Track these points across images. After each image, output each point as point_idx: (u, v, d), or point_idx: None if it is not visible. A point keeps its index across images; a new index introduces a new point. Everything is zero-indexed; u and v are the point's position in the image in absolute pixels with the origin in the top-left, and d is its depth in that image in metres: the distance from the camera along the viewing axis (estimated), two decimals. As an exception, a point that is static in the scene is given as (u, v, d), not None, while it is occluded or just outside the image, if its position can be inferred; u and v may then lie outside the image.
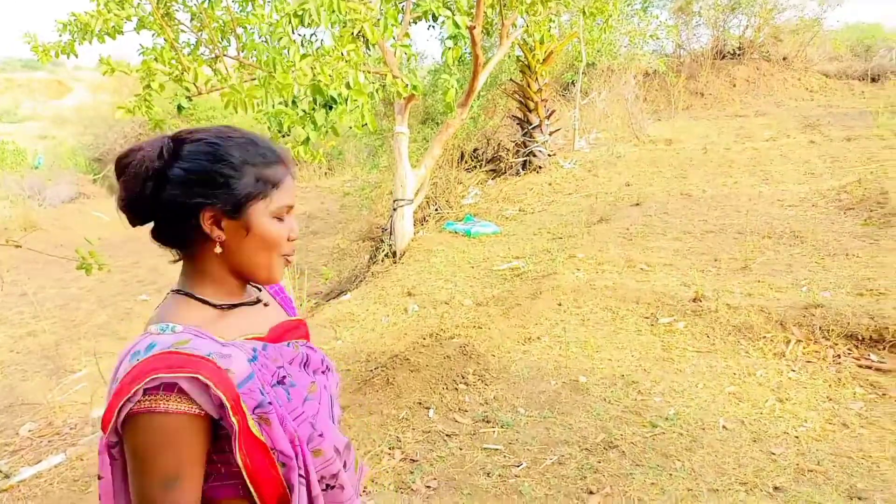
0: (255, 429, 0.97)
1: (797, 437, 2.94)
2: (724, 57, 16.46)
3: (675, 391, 3.48)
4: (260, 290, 1.23)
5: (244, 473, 0.98)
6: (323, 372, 1.20)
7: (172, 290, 1.09)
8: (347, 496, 1.12)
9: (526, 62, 10.47)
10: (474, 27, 5.92)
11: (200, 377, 0.92)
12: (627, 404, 3.39)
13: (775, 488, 2.57)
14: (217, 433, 0.98)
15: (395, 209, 7.30)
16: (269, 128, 5.05)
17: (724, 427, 3.09)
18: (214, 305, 1.07)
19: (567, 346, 4.20)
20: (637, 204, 7.71)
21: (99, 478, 1.00)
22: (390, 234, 7.51)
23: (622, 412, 3.32)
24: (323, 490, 1.08)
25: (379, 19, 4.35)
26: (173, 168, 1.01)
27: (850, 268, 4.76)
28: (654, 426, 3.13)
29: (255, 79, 4.23)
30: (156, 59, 5.04)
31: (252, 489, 0.99)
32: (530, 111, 10.74)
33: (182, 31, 5.68)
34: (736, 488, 2.60)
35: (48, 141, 19.35)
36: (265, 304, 1.18)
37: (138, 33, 5.37)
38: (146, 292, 8.18)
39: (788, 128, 11.65)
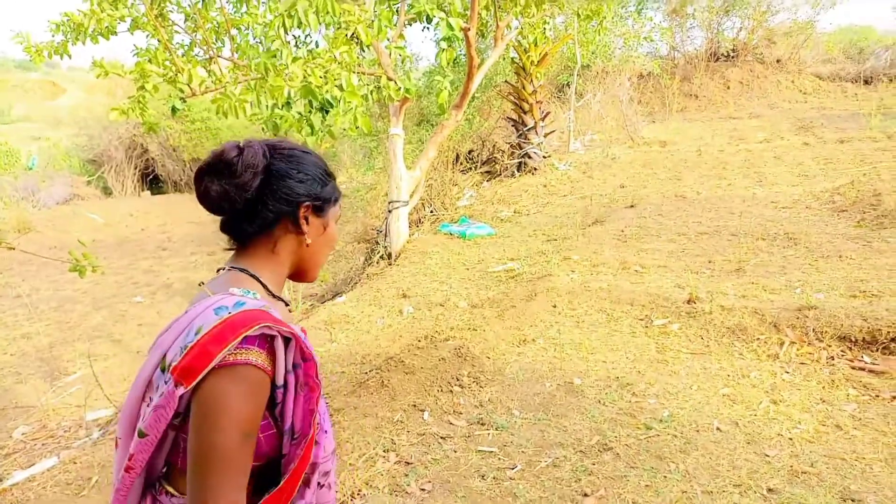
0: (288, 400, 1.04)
1: (791, 439, 2.95)
2: (718, 59, 16.54)
3: (670, 393, 3.49)
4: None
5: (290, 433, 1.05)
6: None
7: (233, 267, 1.16)
8: (332, 497, 1.16)
9: (521, 64, 10.49)
10: (469, 29, 5.92)
11: (299, 336, 1.02)
12: (622, 406, 3.40)
13: (769, 490, 2.58)
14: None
15: (390, 211, 7.29)
16: (264, 130, 5.05)
17: (718, 429, 3.09)
18: (269, 291, 1.16)
19: (562, 348, 4.20)
20: (632, 206, 7.73)
21: (142, 435, 1.01)
22: (385, 235, 7.51)
23: (617, 414, 3.32)
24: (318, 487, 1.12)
25: (373, 21, 4.35)
26: (277, 164, 1.14)
27: (843, 269, 4.78)
28: (649, 428, 3.14)
29: (249, 82, 4.23)
30: (150, 61, 5.02)
31: (300, 448, 1.05)
32: (525, 113, 10.76)
33: (176, 32, 5.67)
34: (730, 490, 2.60)
35: (42, 142, 19.25)
36: (290, 310, 1.26)
37: (132, 34, 5.36)
38: (141, 294, 8.15)
39: (782, 130, 11.71)
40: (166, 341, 1.03)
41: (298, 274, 1.23)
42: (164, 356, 1.02)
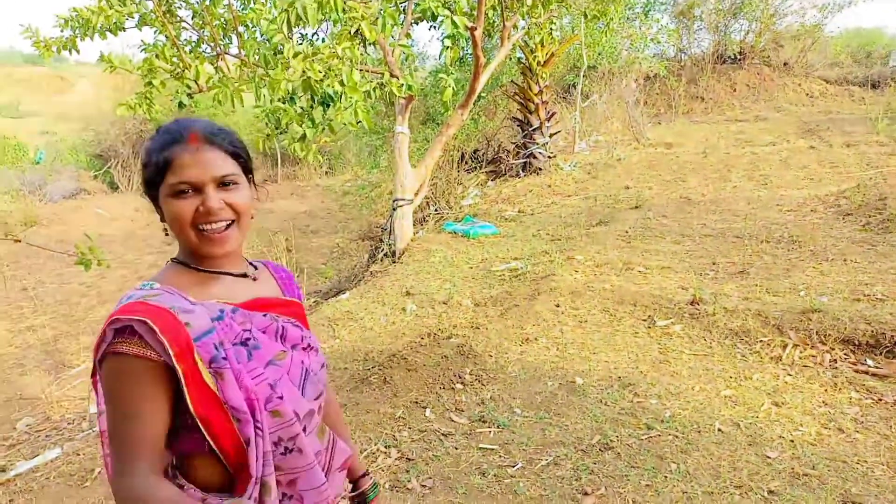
0: (209, 380, 1.04)
1: (792, 441, 2.95)
2: (724, 61, 16.49)
3: (672, 394, 3.49)
4: (256, 268, 1.29)
5: (198, 422, 1.04)
6: (303, 349, 1.24)
7: (173, 259, 1.20)
8: (307, 461, 1.15)
9: (527, 64, 10.49)
10: (475, 28, 5.92)
11: (148, 321, 1.00)
12: (623, 406, 3.40)
13: (770, 492, 2.58)
14: (179, 385, 1.04)
15: (394, 209, 7.30)
16: (266, 124, 5.06)
17: (719, 430, 3.09)
18: (196, 269, 1.16)
19: (564, 348, 4.21)
20: (636, 207, 7.72)
21: (99, 413, 1.11)
22: (390, 233, 7.52)
23: (618, 414, 3.32)
24: (281, 453, 1.12)
25: (377, 18, 4.36)
26: None
27: (847, 273, 4.77)
28: (650, 428, 3.14)
29: (250, 76, 4.25)
30: (157, 56, 5.05)
31: (209, 439, 1.05)
32: (531, 113, 10.76)
33: (184, 28, 5.70)
34: (731, 491, 2.60)
35: (49, 136, 19.33)
36: (254, 279, 1.25)
37: (140, 30, 5.38)
38: (145, 289, 8.17)
39: (788, 133, 11.67)
40: None
41: (188, 246, 1.17)
42: None
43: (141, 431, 1.02)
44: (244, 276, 1.23)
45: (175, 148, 1.10)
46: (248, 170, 1.21)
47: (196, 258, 1.17)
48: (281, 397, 1.11)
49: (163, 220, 1.16)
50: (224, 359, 1.06)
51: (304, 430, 1.16)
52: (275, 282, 1.33)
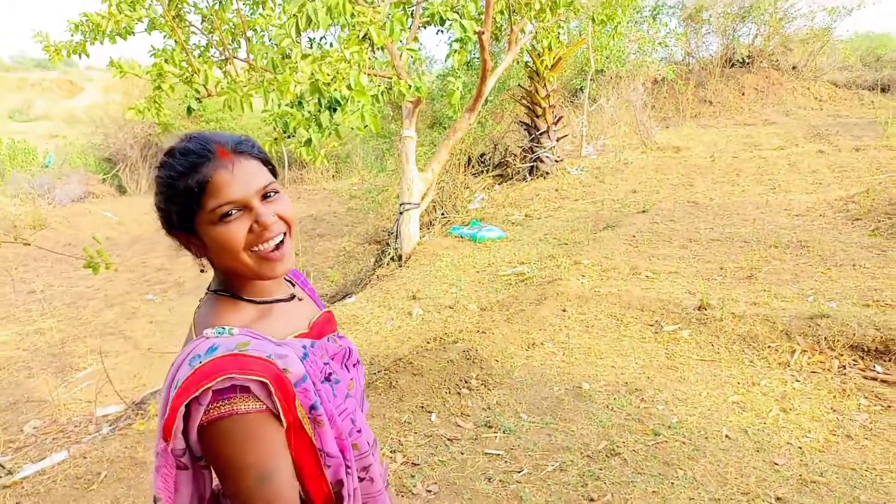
0: (308, 428, 0.99)
1: (800, 448, 2.92)
2: (733, 65, 16.45)
3: (679, 399, 3.47)
4: (293, 284, 1.24)
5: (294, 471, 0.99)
6: (354, 365, 1.22)
7: (210, 291, 1.10)
8: (377, 488, 1.14)
9: (534, 68, 10.48)
10: (483, 32, 5.93)
11: (267, 382, 0.92)
12: (630, 412, 3.38)
13: (777, 499, 2.56)
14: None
15: (401, 213, 7.31)
16: (274, 128, 5.08)
17: (726, 436, 3.07)
18: (255, 302, 1.07)
19: (570, 353, 4.19)
20: (643, 211, 7.70)
21: (156, 500, 0.98)
22: (396, 237, 7.52)
23: (625, 420, 3.31)
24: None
25: (386, 22, 4.37)
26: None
27: (856, 278, 4.73)
28: (657, 434, 3.12)
29: (259, 80, 4.27)
30: (166, 61, 5.08)
31: (300, 486, 1.00)
32: (538, 117, 10.75)
33: (193, 33, 5.73)
34: (738, 498, 2.58)
35: (59, 140, 19.48)
36: (299, 300, 1.19)
37: (150, 34, 5.42)
38: (153, 292, 8.22)
39: (797, 137, 11.62)
40: (162, 396, 1.00)
41: (239, 274, 1.06)
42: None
43: (282, 488, 0.95)
44: (292, 297, 1.15)
45: (206, 168, 0.99)
46: (275, 176, 1.10)
47: (244, 286, 1.07)
48: (359, 431, 1.09)
49: (198, 255, 1.06)
50: (320, 405, 1.01)
51: (373, 455, 1.15)
52: (301, 289, 1.27)
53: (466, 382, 3.82)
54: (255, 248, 1.00)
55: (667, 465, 2.86)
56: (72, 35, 5.12)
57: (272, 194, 1.04)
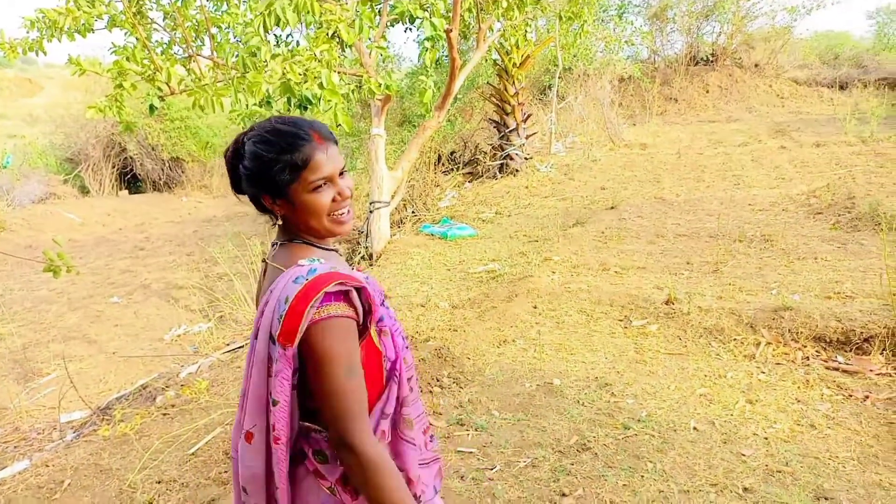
0: (375, 338, 1.29)
1: (766, 439, 2.98)
2: (697, 63, 16.73)
3: (648, 393, 3.52)
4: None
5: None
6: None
7: (282, 242, 1.36)
8: (416, 395, 1.43)
9: (503, 66, 10.52)
10: (451, 30, 5.92)
11: (365, 286, 1.23)
12: (600, 406, 3.42)
13: (745, 489, 2.61)
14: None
15: (371, 211, 7.27)
16: (242, 128, 5.00)
17: (695, 428, 3.12)
18: (321, 247, 1.35)
19: (542, 349, 4.22)
20: (612, 207, 7.79)
21: (275, 403, 1.21)
22: (367, 236, 7.48)
23: (595, 414, 3.34)
24: (409, 390, 1.37)
25: (354, 20, 4.33)
26: (240, 167, 1.31)
27: (818, 271, 4.85)
28: (627, 428, 3.16)
29: (228, 79, 4.20)
30: (128, 59, 4.96)
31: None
32: (507, 114, 10.80)
33: (155, 29, 5.61)
34: (706, 489, 2.63)
35: (17, 140, 18.91)
36: (340, 255, 1.45)
37: (110, 31, 5.28)
38: (117, 294, 8.04)
39: (760, 133, 11.87)
40: (265, 321, 1.23)
41: (314, 231, 1.33)
42: (270, 332, 1.21)
43: (361, 382, 1.21)
44: (336, 250, 1.43)
45: (308, 148, 1.25)
46: None
47: (315, 238, 1.35)
48: (407, 347, 1.39)
49: (278, 212, 1.31)
50: (383, 319, 1.30)
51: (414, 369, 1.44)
52: None
53: (438, 381, 3.81)
54: (333, 214, 1.30)
55: (637, 458, 2.89)
56: (28, 32, 4.97)
57: (344, 172, 1.33)
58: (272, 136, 1.27)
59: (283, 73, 3.85)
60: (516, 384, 3.76)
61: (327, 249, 1.38)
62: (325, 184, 1.28)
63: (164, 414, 3.82)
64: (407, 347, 1.38)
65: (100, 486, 3.09)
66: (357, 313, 1.22)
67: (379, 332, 1.30)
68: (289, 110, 4.77)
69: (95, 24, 4.98)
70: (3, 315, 7.12)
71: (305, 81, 4.14)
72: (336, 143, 1.34)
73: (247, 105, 4.56)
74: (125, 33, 5.47)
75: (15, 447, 3.90)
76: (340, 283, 1.18)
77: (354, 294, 1.22)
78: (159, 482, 3.04)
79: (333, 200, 1.29)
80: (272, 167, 1.25)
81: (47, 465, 3.32)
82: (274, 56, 3.91)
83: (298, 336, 1.16)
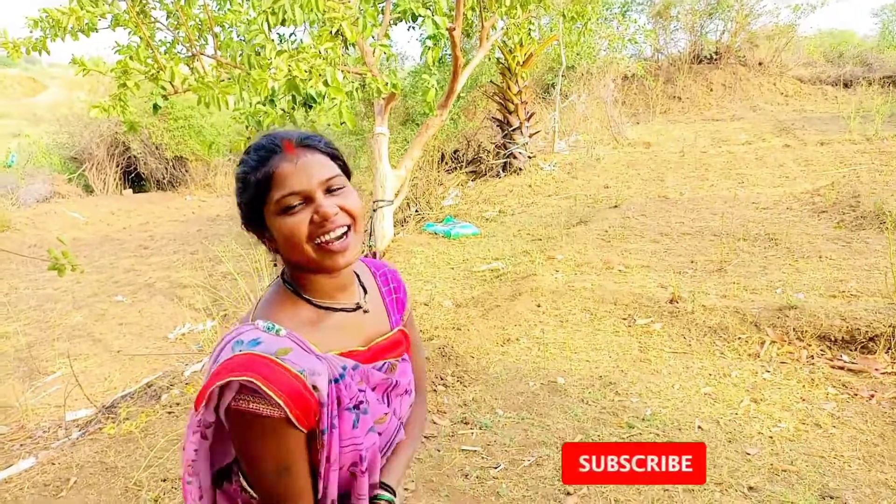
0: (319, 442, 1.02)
1: (771, 438, 2.98)
2: (701, 61, 16.68)
3: (652, 392, 3.51)
4: (366, 291, 1.20)
5: None
6: (400, 395, 1.18)
7: (281, 277, 1.12)
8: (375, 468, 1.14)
9: (506, 64, 10.51)
10: (454, 28, 5.92)
11: (281, 404, 0.93)
12: (605, 405, 3.41)
13: (749, 488, 2.60)
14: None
15: (374, 210, 7.27)
16: (247, 126, 5.01)
17: (699, 427, 3.12)
18: (317, 306, 1.09)
19: (545, 348, 4.22)
20: (615, 206, 7.77)
21: (183, 448, 1.05)
22: (370, 235, 7.48)
23: (599, 413, 3.33)
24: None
25: (358, 18, 4.33)
26: None
27: (823, 270, 4.84)
28: (631, 427, 3.15)
29: (231, 77, 4.20)
30: (131, 58, 4.96)
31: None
32: (510, 113, 10.79)
33: (158, 28, 5.60)
34: (711, 488, 2.62)
35: (22, 139, 18.96)
36: (365, 311, 1.15)
37: (113, 31, 5.28)
38: (122, 293, 8.05)
39: (763, 132, 11.83)
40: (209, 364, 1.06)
41: (302, 268, 1.10)
42: None
43: (297, 483, 1.00)
44: (357, 308, 1.14)
45: (273, 160, 1.03)
46: (347, 173, 1.13)
47: (308, 284, 1.09)
48: (364, 472, 1.07)
49: (271, 248, 1.08)
50: (334, 428, 1.01)
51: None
52: (380, 299, 1.24)
53: (442, 379, 3.82)
54: (318, 240, 1.02)
55: (641, 457, 2.89)
56: (31, 32, 4.97)
57: (338, 188, 1.05)
58: (247, 155, 1.07)
59: (289, 71, 3.85)
60: (520, 383, 3.76)
61: (324, 308, 1.09)
62: (298, 202, 1.02)
63: (169, 412, 3.83)
64: (364, 472, 1.08)
65: (105, 483, 3.10)
66: (291, 413, 0.94)
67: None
68: (293, 108, 4.77)
69: (99, 23, 4.98)
70: (8, 314, 7.15)
71: (310, 79, 4.14)
72: (327, 151, 1.09)
73: (251, 103, 4.57)
74: (129, 32, 5.47)
75: (21, 445, 3.91)
76: (253, 383, 0.93)
77: (290, 412, 0.95)
78: (164, 480, 3.05)
79: (311, 222, 1.01)
80: (243, 190, 1.06)
81: (53, 463, 3.33)
82: (279, 53, 3.91)
83: (203, 411, 0.99)
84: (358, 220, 1.07)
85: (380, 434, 1.11)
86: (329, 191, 1.04)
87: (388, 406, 1.14)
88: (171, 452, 3.29)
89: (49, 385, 5.19)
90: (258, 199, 1.04)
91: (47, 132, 17.96)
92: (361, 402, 1.05)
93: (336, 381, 1.01)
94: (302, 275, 1.08)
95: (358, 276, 1.21)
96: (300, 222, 1.01)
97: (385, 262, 1.33)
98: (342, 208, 1.04)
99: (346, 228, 1.04)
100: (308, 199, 1.02)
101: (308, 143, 1.07)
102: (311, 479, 1.02)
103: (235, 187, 1.09)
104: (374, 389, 1.10)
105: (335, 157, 1.10)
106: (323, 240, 1.02)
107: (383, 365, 1.13)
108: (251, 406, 0.94)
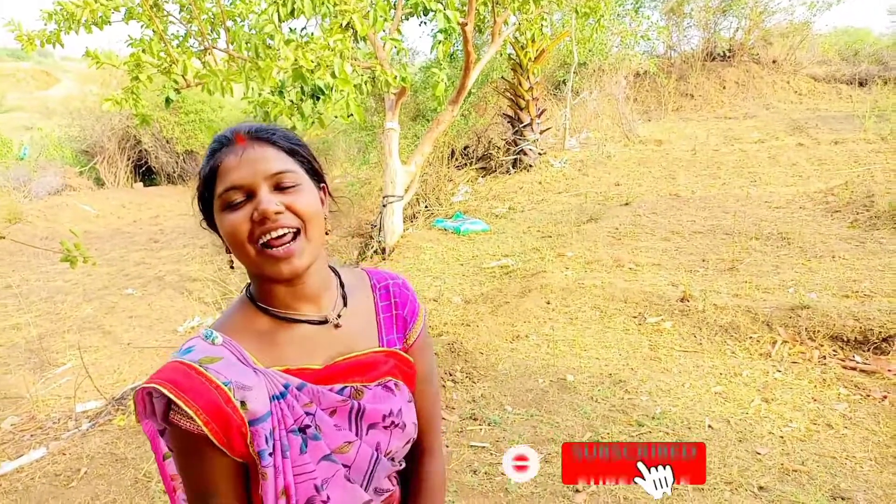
0: (259, 472, 0.91)
1: (782, 438, 2.95)
2: (714, 59, 16.54)
3: (662, 390, 3.49)
4: (344, 297, 1.08)
5: None
6: (385, 427, 1.03)
7: (246, 288, 1.04)
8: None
9: (518, 60, 10.47)
10: (466, 24, 5.89)
11: (192, 416, 0.86)
12: (614, 403, 3.40)
13: (760, 488, 2.58)
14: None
15: (384, 206, 7.27)
16: (255, 117, 5.02)
17: (709, 426, 3.10)
18: (276, 316, 0.99)
19: (555, 345, 4.20)
20: (626, 204, 7.73)
21: (164, 458, 1.00)
22: (380, 230, 7.49)
23: (609, 411, 3.32)
24: None
25: (368, 11, 4.32)
26: None
27: (836, 270, 4.79)
28: (641, 425, 3.14)
29: (240, 66, 4.20)
30: (144, 51, 4.98)
31: None
32: (521, 109, 10.75)
33: (171, 22, 5.62)
34: (721, 487, 2.60)
35: (34, 132, 19.11)
36: (336, 326, 1.03)
37: (127, 24, 5.30)
38: (132, 286, 8.10)
39: (777, 130, 11.73)
40: None
41: (252, 273, 1.00)
42: None
43: None
44: (324, 322, 1.02)
45: (220, 153, 0.95)
46: (314, 173, 1.02)
47: (263, 291, 0.99)
48: (325, 501, 0.94)
49: (226, 250, 0.97)
50: (270, 454, 0.90)
51: None
52: (371, 314, 1.11)
53: (451, 375, 3.81)
54: (261, 241, 0.91)
55: (651, 455, 2.87)
56: (45, 24, 4.99)
57: (291, 186, 0.95)
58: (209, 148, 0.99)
59: (296, 60, 3.84)
60: (529, 379, 3.75)
61: (282, 319, 0.99)
62: (240, 199, 0.92)
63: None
64: (325, 501, 0.95)
65: (115, 474, 3.12)
66: (207, 427, 0.86)
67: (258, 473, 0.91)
68: (301, 99, 4.77)
69: (112, 16, 5.00)
70: (19, 305, 7.21)
71: (317, 70, 4.13)
72: (283, 145, 0.98)
73: (259, 93, 4.57)
74: (141, 26, 5.49)
75: (31, 436, 3.94)
76: (163, 392, 0.86)
77: (197, 418, 0.86)
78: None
79: (251, 220, 0.91)
80: (197, 187, 0.99)
81: (64, 454, 3.35)
82: (287, 42, 3.91)
83: (143, 419, 0.94)
84: (310, 223, 0.95)
85: (346, 466, 0.97)
86: (278, 187, 0.93)
87: (356, 435, 0.99)
88: (180, 444, 3.30)
89: (59, 376, 5.23)
90: (206, 195, 0.96)
91: (59, 125, 18.10)
92: (308, 427, 0.94)
93: (277, 398, 0.92)
94: (260, 281, 0.99)
95: (343, 285, 1.09)
96: (240, 220, 0.91)
97: (393, 274, 1.19)
98: (289, 207, 0.92)
99: (292, 231, 0.93)
100: (251, 195, 0.92)
101: (260, 134, 0.97)
102: None
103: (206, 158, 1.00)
104: (331, 414, 0.97)
105: (294, 152, 0.99)
106: (265, 241, 0.91)
107: (344, 388, 0.99)
108: (174, 417, 0.87)
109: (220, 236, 0.98)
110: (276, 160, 0.95)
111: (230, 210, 0.93)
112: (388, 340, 1.10)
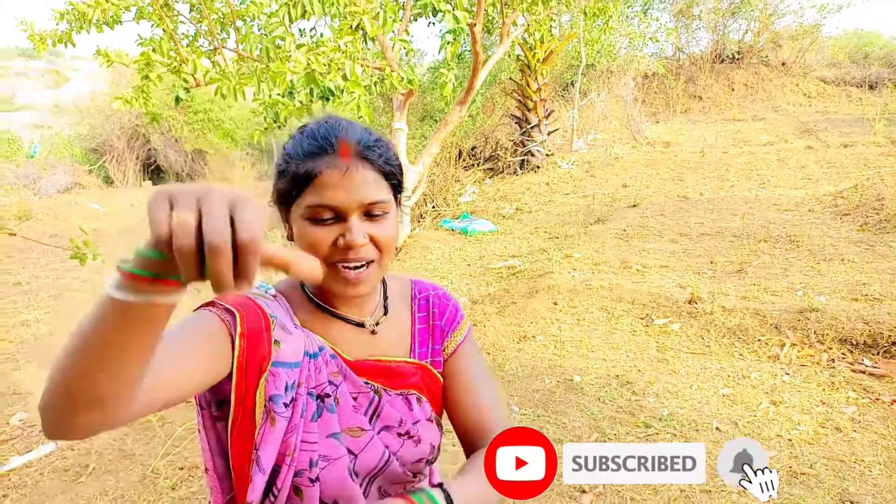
0: (258, 416, 0.88)
1: (790, 441, 2.94)
2: (723, 61, 16.48)
3: (670, 392, 3.48)
4: (386, 311, 1.08)
5: (228, 452, 0.91)
6: (399, 435, 1.02)
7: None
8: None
9: (526, 61, 10.46)
10: (475, 24, 5.89)
11: (232, 309, 0.88)
12: (621, 404, 3.39)
13: (768, 490, 2.57)
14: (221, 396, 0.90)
15: (391, 205, 7.27)
16: (265, 118, 5.03)
17: (717, 429, 3.09)
18: (317, 305, 1.01)
19: (562, 346, 4.20)
20: (634, 205, 7.72)
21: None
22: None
23: (616, 412, 3.31)
24: None
25: (378, 13, 4.33)
26: None
27: (845, 273, 4.77)
28: (648, 427, 3.13)
29: (252, 69, 4.22)
30: (154, 50, 5.00)
31: (230, 473, 0.92)
32: (529, 110, 10.74)
33: (181, 22, 5.65)
34: (728, 489, 2.59)
35: (44, 130, 19.23)
36: (372, 332, 1.04)
37: (137, 23, 5.33)
38: (140, 284, 8.13)
39: (786, 133, 11.68)
40: None
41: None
42: None
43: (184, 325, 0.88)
44: (361, 325, 1.03)
45: (322, 161, 0.91)
46: (399, 190, 1.00)
47: (319, 290, 1.01)
48: (315, 480, 0.92)
49: (289, 237, 0.98)
50: (286, 405, 0.89)
51: None
52: (407, 324, 1.10)
53: (458, 375, 3.81)
54: (336, 262, 0.92)
55: (658, 457, 2.87)
56: (57, 24, 5.03)
57: (379, 215, 0.93)
58: (301, 134, 0.97)
59: (308, 64, 3.86)
60: (536, 380, 3.74)
61: (324, 311, 1.01)
62: (330, 218, 0.91)
63: (187, 402, 3.86)
64: (314, 480, 0.92)
65: (124, 470, 3.13)
66: (240, 321, 0.88)
67: (266, 415, 0.88)
68: (311, 101, 4.78)
69: (123, 16, 5.03)
70: (28, 302, 7.25)
71: (329, 72, 4.14)
72: (383, 168, 0.95)
73: (269, 95, 4.58)
74: (152, 25, 5.52)
75: (40, 431, 3.97)
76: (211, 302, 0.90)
77: (240, 324, 0.87)
78: (181, 468, 3.07)
79: (335, 244, 0.91)
80: (282, 172, 0.96)
81: (72, 449, 3.37)
82: (299, 46, 3.92)
83: None
84: (386, 254, 0.95)
85: (352, 453, 0.96)
86: (368, 214, 0.92)
87: (372, 429, 0.98)
88: (188, 441, 3.32)
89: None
90: (292, 192, 0.94)
91: (69, 124, 18.19)
92: (328, 396, 0.94)
93: (310, 355, 0.93)
94: None
95: (387, 293, 1.10)
96: (323, 240, 0.91)
97: (436, 285, 1.18)
98: (373, 238, 0.92)
99: (370, 261, 0.94)
100: (341, 218, 0.91)
101: (366, 153, 0.93)
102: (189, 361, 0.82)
103: (281, 159, 0.97)
104: (355, 398, 0.98)
105: (391, 174, 0.97)
106: (340, 265, 0.92)
107: (367, 383, 1.00)
108: (212, 308, 0.90)
109: (283, 219, 0.99)
110: (374, 187, 0.93)
111: (315, 224, 0.91)
112: (420, 353, 1.09)
